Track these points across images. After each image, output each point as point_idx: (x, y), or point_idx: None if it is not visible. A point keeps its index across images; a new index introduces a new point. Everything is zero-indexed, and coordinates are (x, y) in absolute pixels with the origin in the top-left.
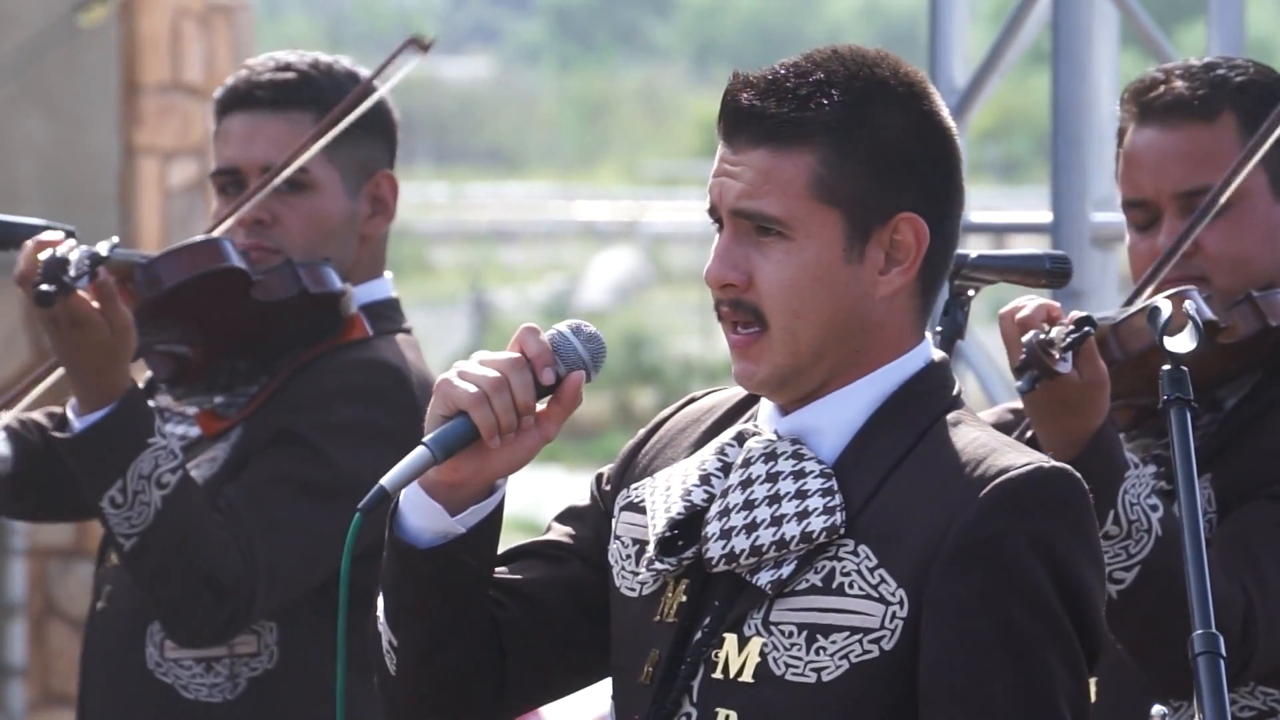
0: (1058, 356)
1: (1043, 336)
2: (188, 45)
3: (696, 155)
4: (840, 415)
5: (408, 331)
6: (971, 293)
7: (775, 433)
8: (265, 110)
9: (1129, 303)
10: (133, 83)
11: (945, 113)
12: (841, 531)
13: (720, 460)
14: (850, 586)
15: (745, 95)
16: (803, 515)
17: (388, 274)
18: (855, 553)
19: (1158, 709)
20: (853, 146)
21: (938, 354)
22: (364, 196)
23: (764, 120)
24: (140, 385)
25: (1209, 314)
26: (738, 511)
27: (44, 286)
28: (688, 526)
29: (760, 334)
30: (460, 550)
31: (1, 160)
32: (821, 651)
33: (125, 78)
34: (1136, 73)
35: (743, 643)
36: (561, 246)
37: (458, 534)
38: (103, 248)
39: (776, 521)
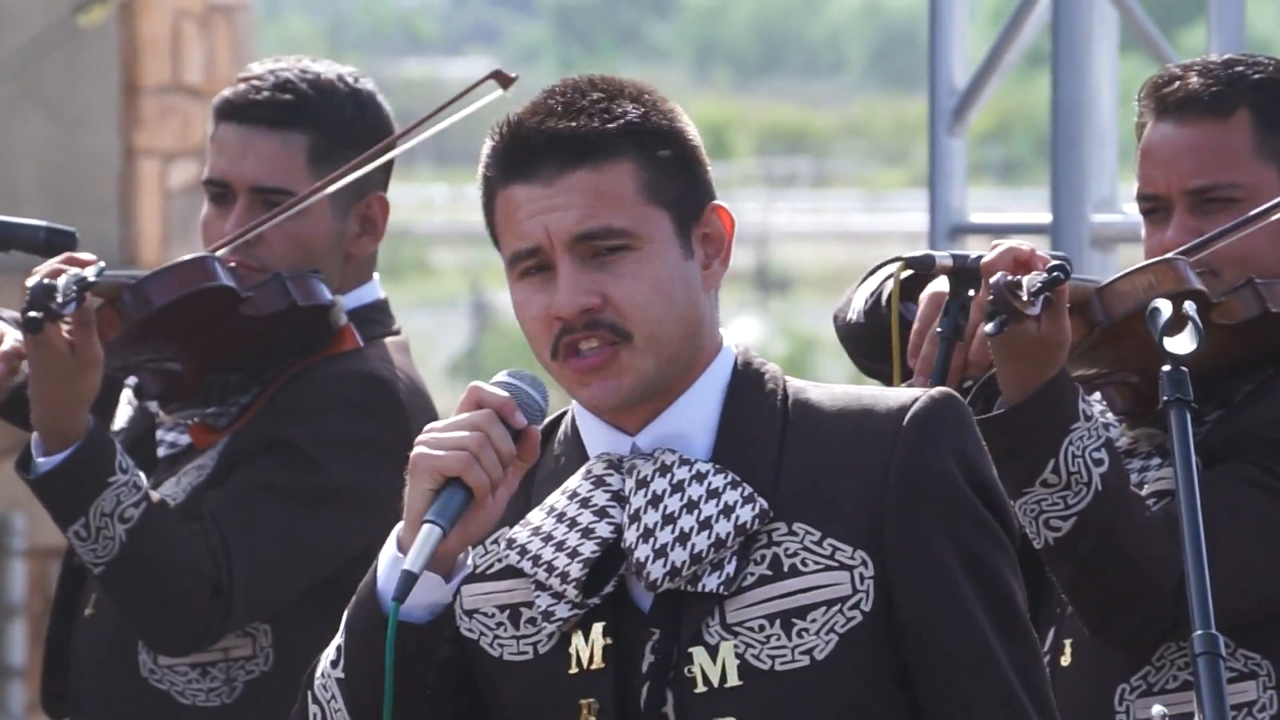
0: (1025, 299)
1: (1010, 279)
2: (188, 46)
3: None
4: (696, 416)
5: (397, 333)
6: (971, 294)
7: (635, 449)
8: (260, 128)
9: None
10: (133, 84)
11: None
12: (771, 515)
13: (606, 492)
14: (804, 565)
15: (547, 123)
16: (727, 511)
17: (375, 275)
18: (793, 532)
19: (1157, 709)
20: (657, 148)
21: (732, 340)
22: (353, 217)
23: (576, 139)
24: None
25: (1195, 283)
26: (661, 528)
27: (31, 313)
28: (598, 565)
29: (619, 348)
30: (445, 621)
31: (2, 161)
32: (804, 634)
33: (125, 79)
34: (1136, 75)
35: (713, 651)
36: None
37: (446, 603)
38: (90, 272)
39: (705, 525)
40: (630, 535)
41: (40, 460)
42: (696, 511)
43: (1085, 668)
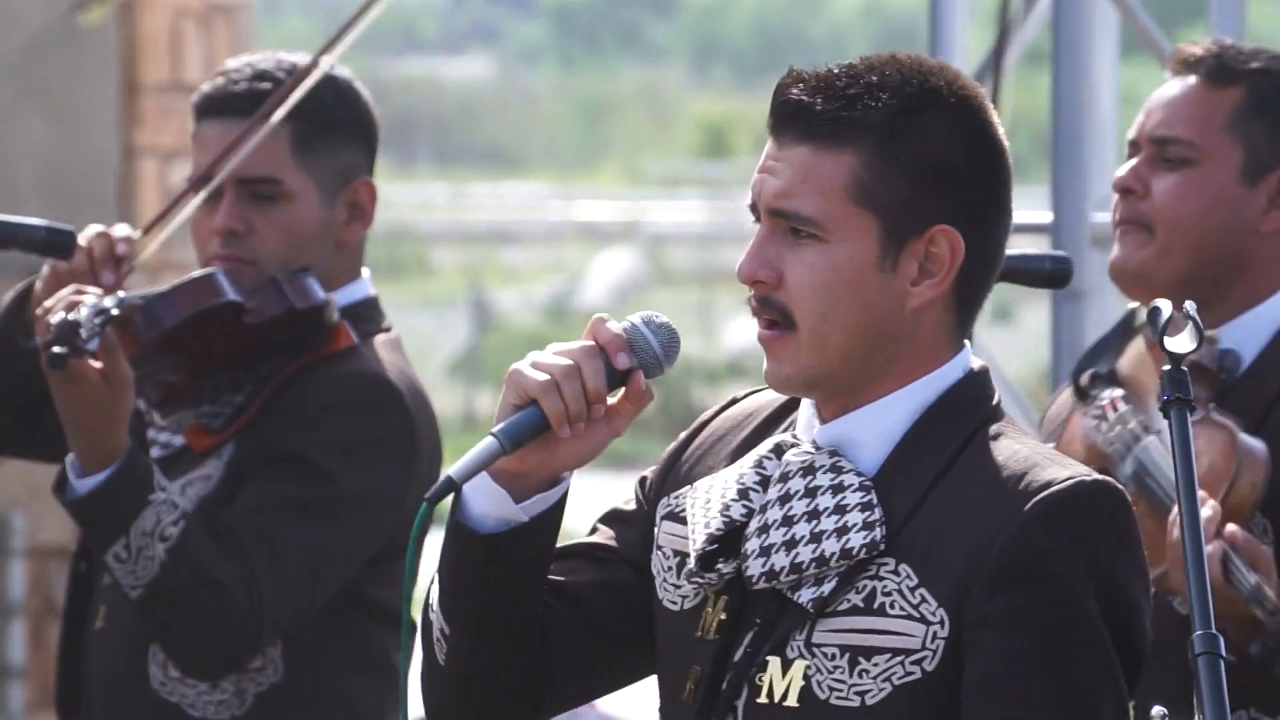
0: None
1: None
2: (188, 45)
3: (697, 156)
4: (879, 426)
5: (388, 330)
6: None
7: (814, 443)
8: (241, 119)
9: None
10: (133, 83)
11: (999, 131)
12: (882, 547)
13: (758, 474)
14: (891, 606)
15: (795, 90)
16: (842, 531)
17: (365, 272)
18: (896, 571)
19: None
20: (896, 152)
21: (978, 363)
22: (341, 204)
23: (810, 117)
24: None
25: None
26: (777, 528)
27: (56, 349)
28: (727, 541)
29: (786, 333)
30: (521, 539)
31: (1, 161)
32: (864, 674)
33: (125, 78)
34: (1136, 75)
35: (786, 665)
36: (562, 247)
37: (520, 522)
38: (110, 303)
39: (816, 538)
40: (752, 525)
41: (78, 482)
42: (815, 522)
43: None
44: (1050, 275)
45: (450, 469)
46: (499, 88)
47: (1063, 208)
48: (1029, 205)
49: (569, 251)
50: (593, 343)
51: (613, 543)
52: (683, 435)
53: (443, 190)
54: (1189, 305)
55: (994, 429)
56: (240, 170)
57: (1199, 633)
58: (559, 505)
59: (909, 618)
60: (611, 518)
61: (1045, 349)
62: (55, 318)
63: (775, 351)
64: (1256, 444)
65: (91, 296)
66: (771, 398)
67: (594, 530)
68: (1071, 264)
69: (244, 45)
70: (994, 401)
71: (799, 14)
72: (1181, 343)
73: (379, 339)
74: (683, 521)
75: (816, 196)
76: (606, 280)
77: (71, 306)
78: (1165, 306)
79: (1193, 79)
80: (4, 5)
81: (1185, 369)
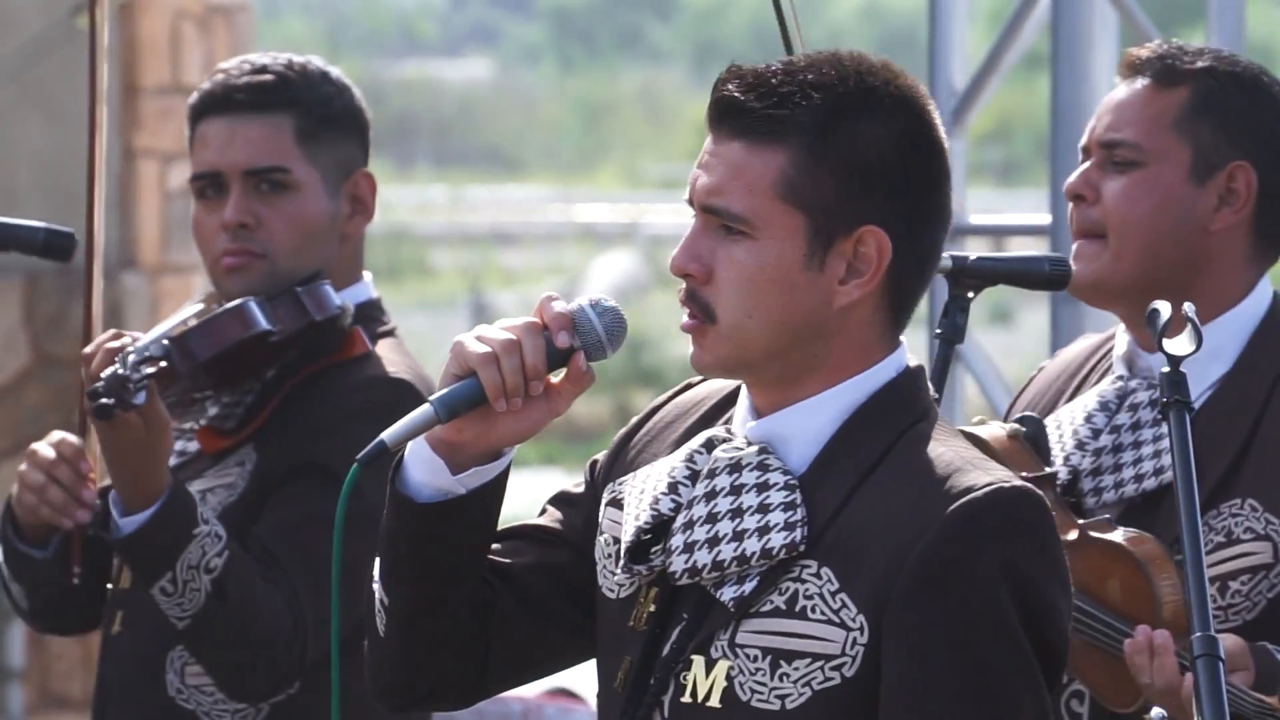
0: None
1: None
2: (187, 47)
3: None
4: (808, 425)
5: (392, 332)
6: (971, 295)
7: (745, 439)
8: (244, 113)
9: None
10: (132, 85)
11: (937, 131)
12: (802, 548)
13: (689, 468)
14: (813, 610)
15: (731, 87)
16: (764, 530)
17: (367, 275)
18: (818, 575)
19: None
20: (826, 152)
21: (913, 362)
22: (344, 196)
23: (743, 114)
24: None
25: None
26: (701, 524)
27: (104, 400)
28: (658, 533)
29: (707, 325)
30: (458, 511)
31: (1, 161)
32: (785, 678)
33: (124, 80)
34: None
35: (710, 665)
36: (561, 249)
37: (457, 494)
38: (156, 351)
39: (738, 536)
40: (678, 520)
41: (123, 521)
42: (738, 520)
43: None
44: (1049, 277)
45: (384, 433)
46: (498, 90)
47: (1062, 209)
48: (1028, 208)
49: (568, 253)
50: (537, 320)
51: (557, 525)
52: (634, 419)
53: (442, 192)
54: (1188, 306)
55: (921, 430)
56: (248, 162)
57: (1198, 634)
58: (499, 481)
59: (829, 622)
60: (559, 499)
61: (1044, 351)
62: (106, 371)
63: (697, 339)
64: (1139, 535)
65: (130, 341)
66: (721, 385)
67: (543, 511)
68: (1070, 266)
69: (243, 47)
70: (925, 402)
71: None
72: (1180, 344)
73: (384, 342)
74: (623, 508)
75: (746, 194)
76: (606, 282)
77: (112, 355)
78: (1164, 307)
79: (1140, 82)
80: (4, 6)
81: (1184, 370)
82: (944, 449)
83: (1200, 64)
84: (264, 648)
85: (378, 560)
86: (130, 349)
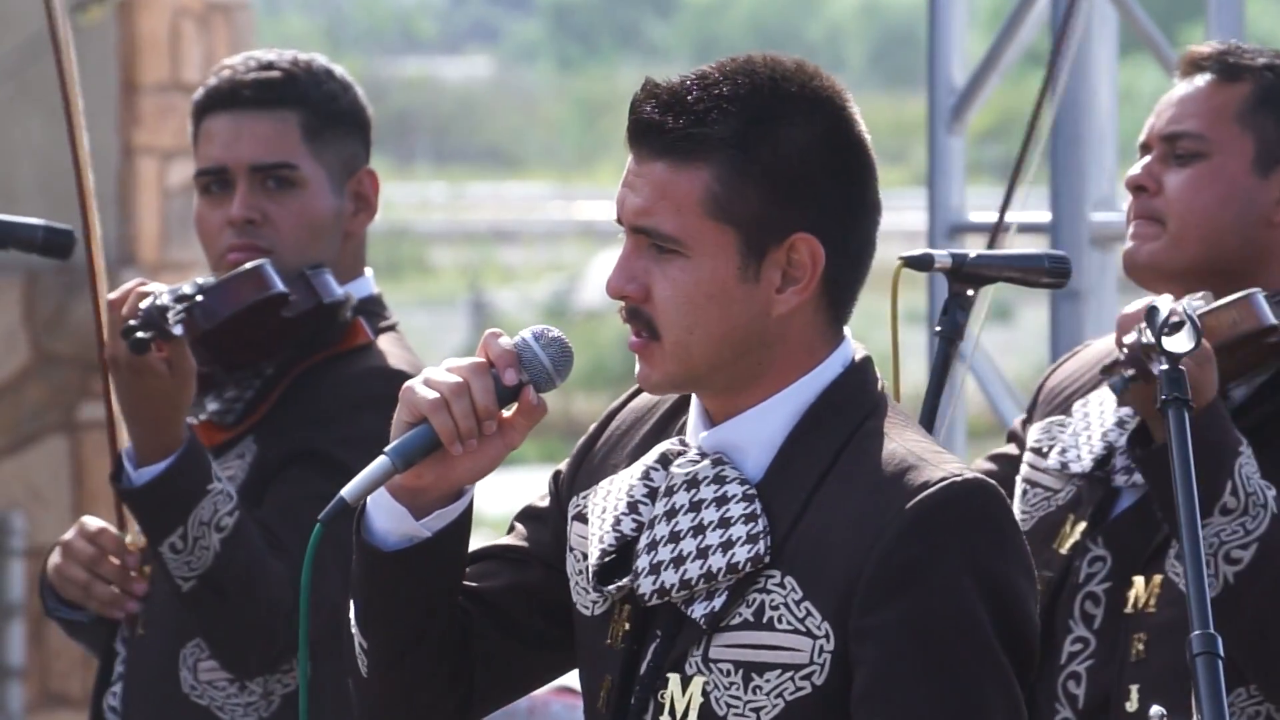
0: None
1: (1146, 340)
2: (187, 45)
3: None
4: (760, 431)
5: (393, 327)
6: (971, 293)
7: (700, 450)
8: (251, 109)
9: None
10: (132, 83)
11: (858, 126)
12: (766, 560)
13: (646, 486)
14: (780, 621)
15: (648, 107)
16: (727, 546)
17: (368, 271)
18: (782, 584)
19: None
20: (749, 165)
21: (860, 352)
22: (348, 194)
23: (662, 134)
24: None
25: (1270, 319)
26: (664, 544)
27: (140, 334)
28: (623, 552)
29: (652, 343)
30: (425, 554)
31: (1, 161)
32: (758, 690)
33: (124, 78)
34: (1136, 75)
35: (685, 682)
36: (561, 246)
37: (423, 538)
38: (190, 289)
39: (703, 554)
40: (642, 540)
41: (136, 473)
42: (701, 537)
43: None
44: (1049, 275)
45: (343, 490)
46: (498, 87)
47: (1061, 208)
48: (1029, 204)
49: (568, 251)
50: (483, 359)
51: (525, 543)
52: (592, 427)
53: (441, 190)
54: (1187, 304)
55: (871, 426)
56: (254, 158)
57: (1197, 632)
58: (463, 519)
59: (796, 632)
60: (526, 515)
61: (1044, 348)
62: (145, 303)
63: (644, 357)
64: (1262, 306)
65: (162, 286)
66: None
67: (510, 529)
68: (1070, 264)
69: (243, 44)
70: (874, 395)
71: (797, 14)
72: (1180, 342)
73: (385, 336)
74: (588, 524)
75: (674, 214)
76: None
77: (140, 299)
78: (1164, 306)
79: (1201, 77)
80: (4, 5)
81: (1183, 369)
82: (895, 445)
83: (1262, 60)
84: (263, 618)
85: (352, 605)
86: (161, 291)
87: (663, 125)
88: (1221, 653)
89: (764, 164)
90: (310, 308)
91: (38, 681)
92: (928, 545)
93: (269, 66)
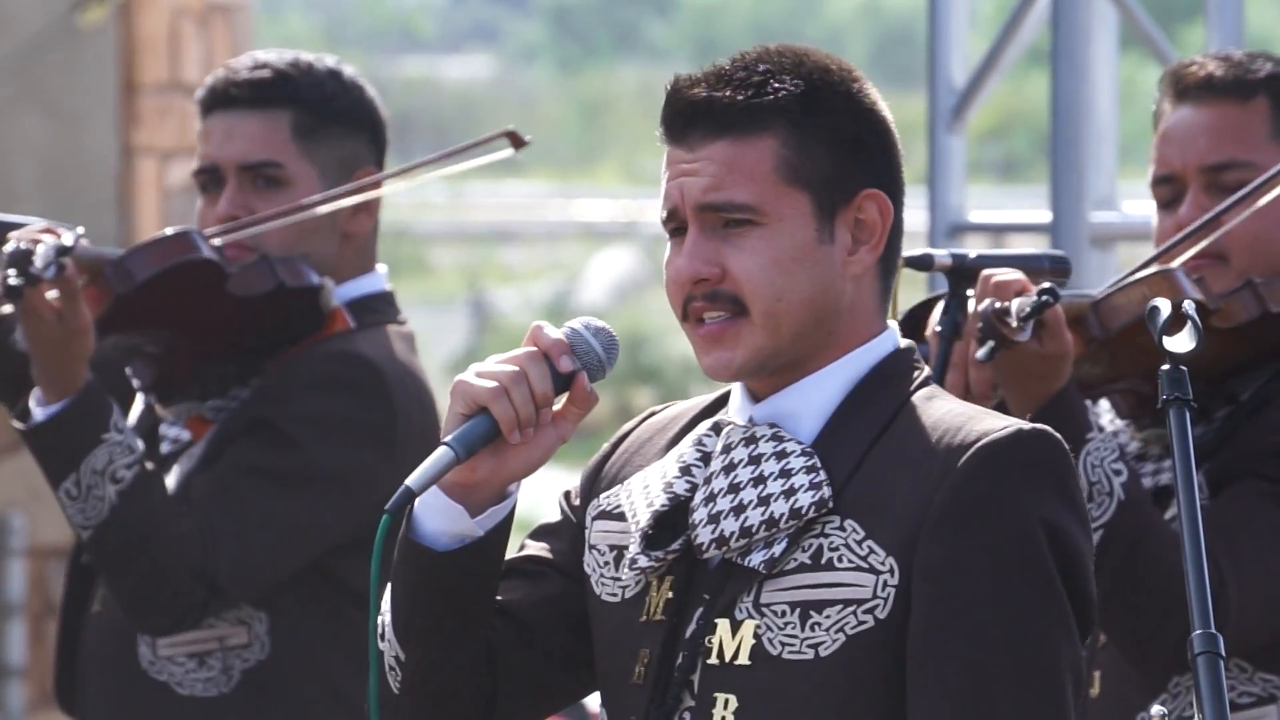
0: (1015, 325)
1: (998, 306)
2: (186, 45)
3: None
4: (815, 398)
5: (401, 323)
6: (970, 293)
7: (750, 419)
8: (242, 108)
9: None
10: (131, 83)
11: (883, 103)
12: (830, 505)
13: (699, 450)
14: (839, 560)
15: (697, 90)
16: (790, 493)
17: (381, 268)
18: (842, 528)
19: (1156, 709)
20: (812, 128)
21: (904, 341)
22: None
23: (723, 110)
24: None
25: (1192, 293)
26: (724, 496)
27: (10, 280)
28: (671, 522)
29: (739, 319)
30: (476, 554)
31: (1, 161)
32: (816, 627)
33: (124, 78)
34: (1136, 74)
35: (735, 627)
36: (561, 246)
37: (475, 537)
38: (68, 238)
39: (764, 501)
40: (698, 496)
41: (37, 409)
42: (761, 486)
43: (1111, 698)
44: (1049, 274)
45: (408, 479)
46: (497, 87)
47: (1061, 207)
48: (1028, 204)
49: (568, 251)
50: (535, 348)
51: (545, 554)
52: (605, 446)
53: (441, 190)
54: (1187, 304)
55: (926, 391)
56: (242, 156)
57: (1198, 632)
58: (509, 519)
59: (858, 569)
60: (540, 532)
61: None
62: (9, 247)
63: (728, 339)
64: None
65: (53, 236)
66: (690, 405)
67: (523, 547)
68: (1070, 263)
69: (243, 45)
70: (925, 373)
71: (797, 14)
72: (1180, 342)
73: (391, 328)
74: (617, 518)
75: (748, 183)
76: (605, 280)
77: (33, 242)
78: (1164, 306)
79: (1212, 101)
80: (4, 5)
81: (1184, 369)
82: (953, 404)
83: (1264, 71)
84: (165, 575)
85: (389, 619)
86: (46, 240)
87: (721, 102)
88: (1241, 675)
89: (826, 126)
90: (269, 289)
91: (38, 681)
92: (997, 483)
93: (263, 66)
